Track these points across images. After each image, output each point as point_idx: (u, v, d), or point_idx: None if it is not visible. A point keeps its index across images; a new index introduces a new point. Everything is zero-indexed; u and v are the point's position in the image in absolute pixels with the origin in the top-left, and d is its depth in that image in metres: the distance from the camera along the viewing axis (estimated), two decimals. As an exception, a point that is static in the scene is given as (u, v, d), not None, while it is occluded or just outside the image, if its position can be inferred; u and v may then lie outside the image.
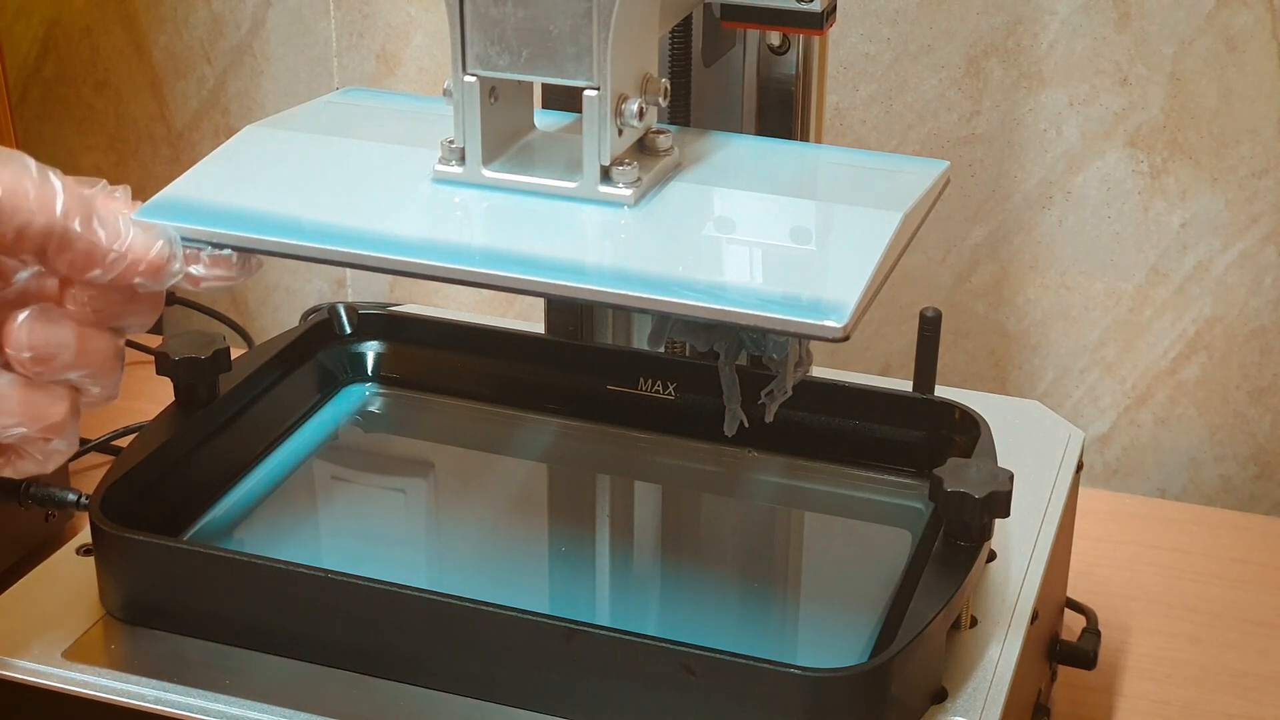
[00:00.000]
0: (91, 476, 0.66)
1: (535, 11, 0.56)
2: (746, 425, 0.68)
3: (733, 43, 0.74)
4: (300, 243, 0.57)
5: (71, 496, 0.84)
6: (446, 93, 0.59)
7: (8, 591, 0.65)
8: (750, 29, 0.73)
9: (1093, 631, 0.78)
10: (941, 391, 0.75)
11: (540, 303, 0.84)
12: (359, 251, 0.56)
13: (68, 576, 0.66)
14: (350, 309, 0.80)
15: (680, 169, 0.61)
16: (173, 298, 1.02)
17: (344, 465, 0.77)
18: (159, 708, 0.59)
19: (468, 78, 0.58)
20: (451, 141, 0.59)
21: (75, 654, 0.61)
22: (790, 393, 0.66)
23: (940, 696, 0.60)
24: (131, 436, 0.75)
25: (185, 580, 0.62)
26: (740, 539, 0.74)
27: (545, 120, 0.64)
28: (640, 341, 0.80)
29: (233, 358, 0.72)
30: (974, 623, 0.64)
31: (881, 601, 0.65)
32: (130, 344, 0.57)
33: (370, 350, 0.81)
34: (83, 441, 0.87)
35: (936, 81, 1.00)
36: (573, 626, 0.57)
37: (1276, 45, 0.94)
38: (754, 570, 0.72)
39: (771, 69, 0.74)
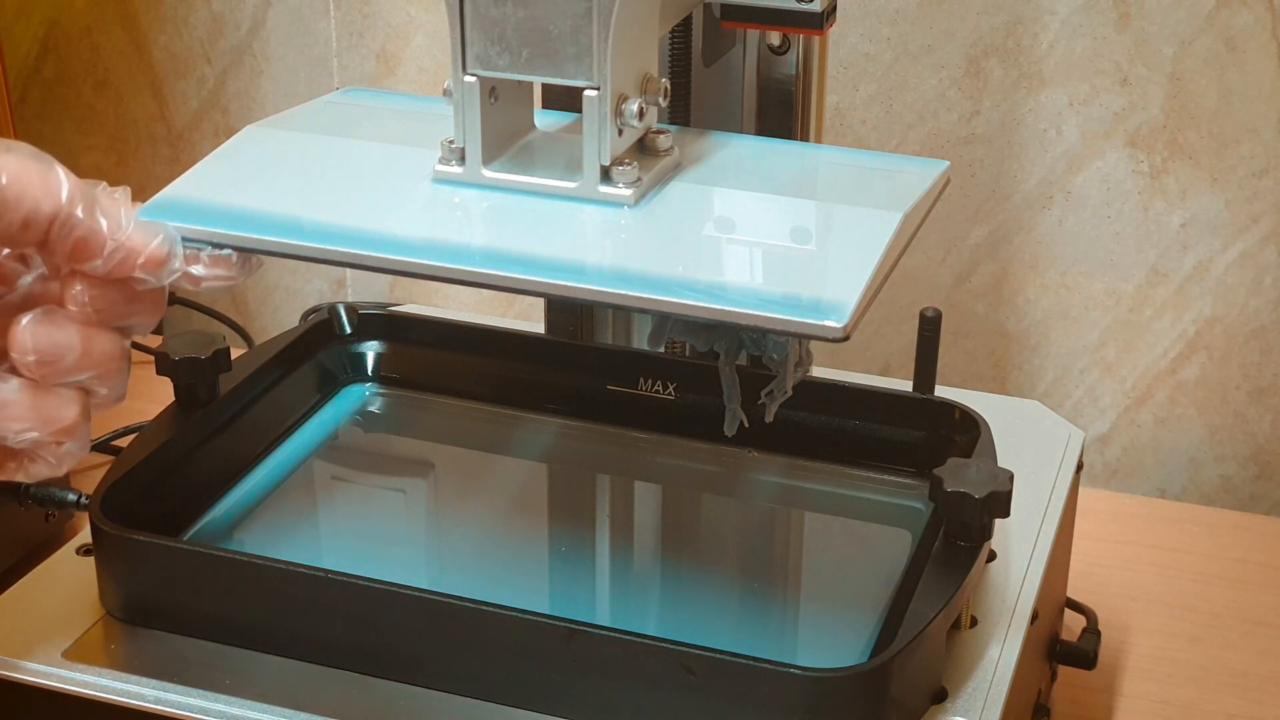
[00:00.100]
0: (91, 476, 0.66)
1: (535, 11, 0.56)
2: (746, 425, 0.67)
3: (733, 43, 0.74)
4: (300, 243, 0.57)
5: (71, 496, 0.84)
6: (446, 93, 0.59)
7: (8, 591, 0.65)
8: (750, 29, 0.73)
9: (1093, 631, 0.78)
10: (941, 391, 0.75)
11: (540, 303, 0.84)
12: (359, 251, 0.56)
13: (68, 576, 0.66)
14: (350, 309, 0.80)
15: (680, 169, 0.61)
16: (173, 298, 1.02)
17: (344, 465, 0.77)
18: (159, 708, 0.59)
19: (468, 78, 0.58)
20: (451, 141, 0.59)
21: (75, 654, 0.61)
22: (790, 393, 0.66)
23: (940, 696, 0.60)
24: (131, 436, 0.75)
25: (185, 580, 0.62)
26: (740, 539, 0.74)
27: (545, 120, 0.64)
28: (640, 341, 0.80)
29: (233, 358, 0.72)
30: (974, 623, 0.64)
31: (881, 601, 0.65)
32: (131, 344, 0.57)
33: (370, 350, 0.81)
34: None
35: (936, 81, 1.00)
36: (573, 626, 0.57)
37: (1276, 45, 0.94)
38: (754, 570, 0.72)
39: (771, 69, 0.74)
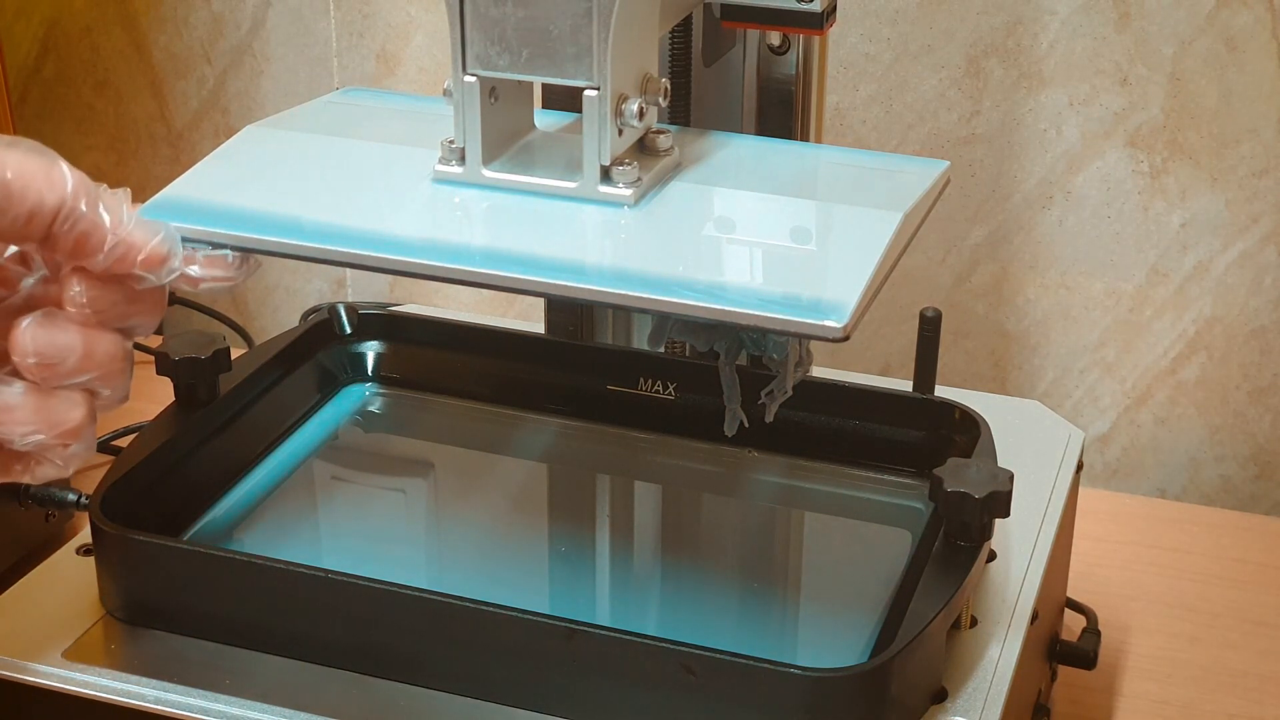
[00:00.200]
0: (91, 476, 0.66)
1: (535, 11, 0.56)
2: (746, 425, 0.67)
3: (733, 43, 0.74)
4: (300, 243, 0.57)
5: (71, 496, 0.84)
6: (446, 93, 0.59)
7: (8, 591, 0.65)
8: (750, 29, 0.73)
9: (1093, 631, 0.78)
10: (941, 391, 0.75)
11: (540, 303, 0.84)
12: (359, 251, 0.56)
13: (68, 576, 0.66)
14: (350, 309, 0.80)
15: (680, 169, 0.61)
16: (173, 298, 1.02)
17: (344, 465, 0.77)
18: (159, 708, 0.59)
19: (468, 78, 0.58)
20: (451, 141, 0.59)
21: (75, 654, 0.61)
22: (790, 393, 0.66)
23: (940, 696, 0.60)
24: (131, 436, 0.75)
25: (185, 580, 0.62)
26: (740, 539, 0.74)
27: (545, 120, 0.64)
28: (640, 341, 0.80)
29: (233, 358, 0.72)
30: (974, 623, 0.64)
31: (881, 601, 0.65)
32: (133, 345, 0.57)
33: (370, 350, 0.81)
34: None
35: (936, 81, 1.00)
36: (573, 626, 0.57)
37: (1276, 45, 0.94)
38: (754, 570, 0.72)
39: (771, 69, 0.74)
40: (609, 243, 0.58)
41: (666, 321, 0.65)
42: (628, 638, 0.57)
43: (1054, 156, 1.00)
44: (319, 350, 0.79)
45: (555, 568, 0.70)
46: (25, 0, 1.18)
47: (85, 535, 0.67)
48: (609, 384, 0.77)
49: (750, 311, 0.53)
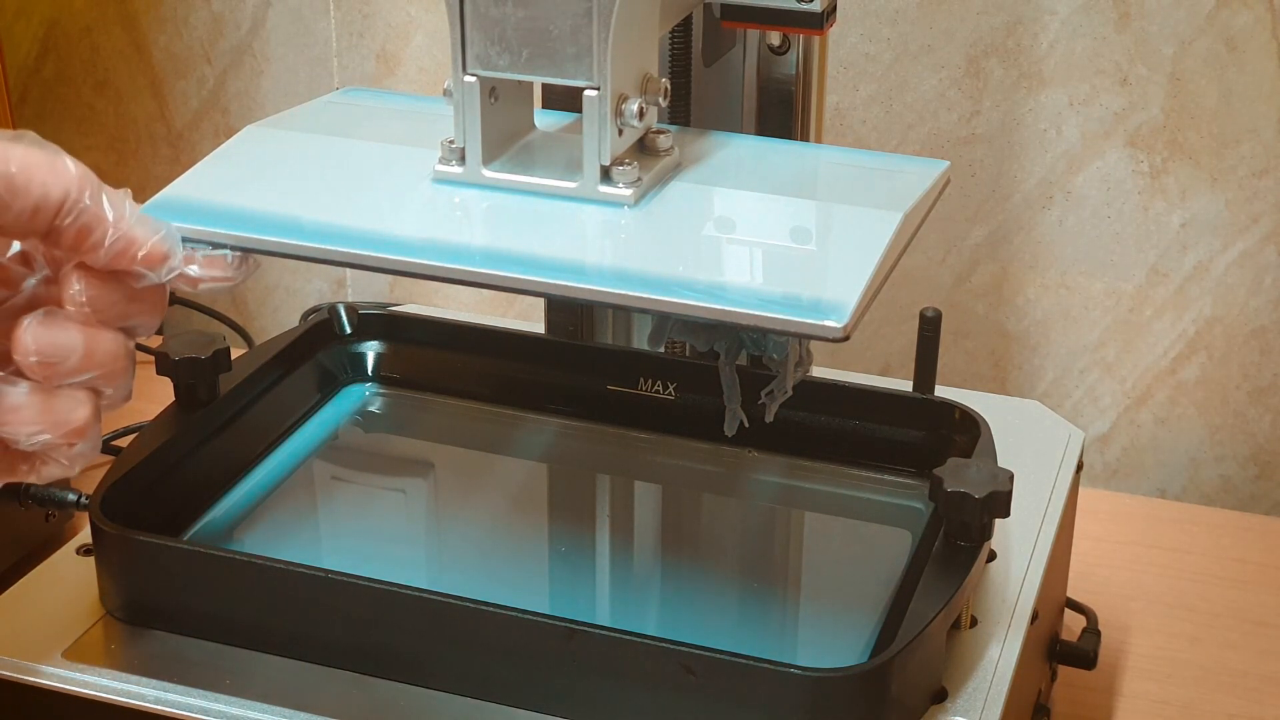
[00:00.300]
0: (91, 476, 0.66)
1: (535, 11, 0.56)
2: (746, 425, 0.67)
3: (733, 43, 0.74)
4: (300, 243, 0.57)
5: (71, 496, 0.84)
6: (446, 93, 0.59)
7: (8, 591, 0.65)
8: (750, 29, 0.73)
9: (1093, 631, 0.78)
10: (941, 391, 0.75)
11: (540, 303, 0.84)
12: (359, 251, 0.56)
13: (68, 576, 0.66)
14: (350, 309, 0.80)
15: (680, 169, 0.61)
16: (173, 298, 1.02)
17: (344, 465, 0.77)
18: (159, 708, 0.59)
19: (468, 78, 0.58)
20: (451, 141, 0.59)
21: (75, 654, 0.61)
22: (790, 393, 0.66)
23: (940, 696, 0.60)
24: (131, 436, 0.75)
25: (185, 580, 0.62)
26: (740, 539, 0.74)
27: (545, 120, 0.64)
28: (640, 341, 0.80)
29: (233, 358, 0.72)
30: (974, 623, 0.64)
31: (881, 601, 0.65)
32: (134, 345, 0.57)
33: (370, 350, 0.81)
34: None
35: (936, 81, 1.00)
36: (573, 626, 0.57)
37: (1276, 45, 0.94)
38: (754, 570, 0.72)
39: (771, 69, 0.74)
40: (609, 243, 0.58)
41: (666, 321, 0.65)
42: (627, 638, 0.57)
43: (1054, 156, 1.00)
44: (319, 350, 0.79)
45: (555, 568, 0.70)
46: (25, 0, 1.18)
47: (85, 535, 0.67)
48: (609, 384, 0.77)
49: (750, 311, 0.53)
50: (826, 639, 0.65)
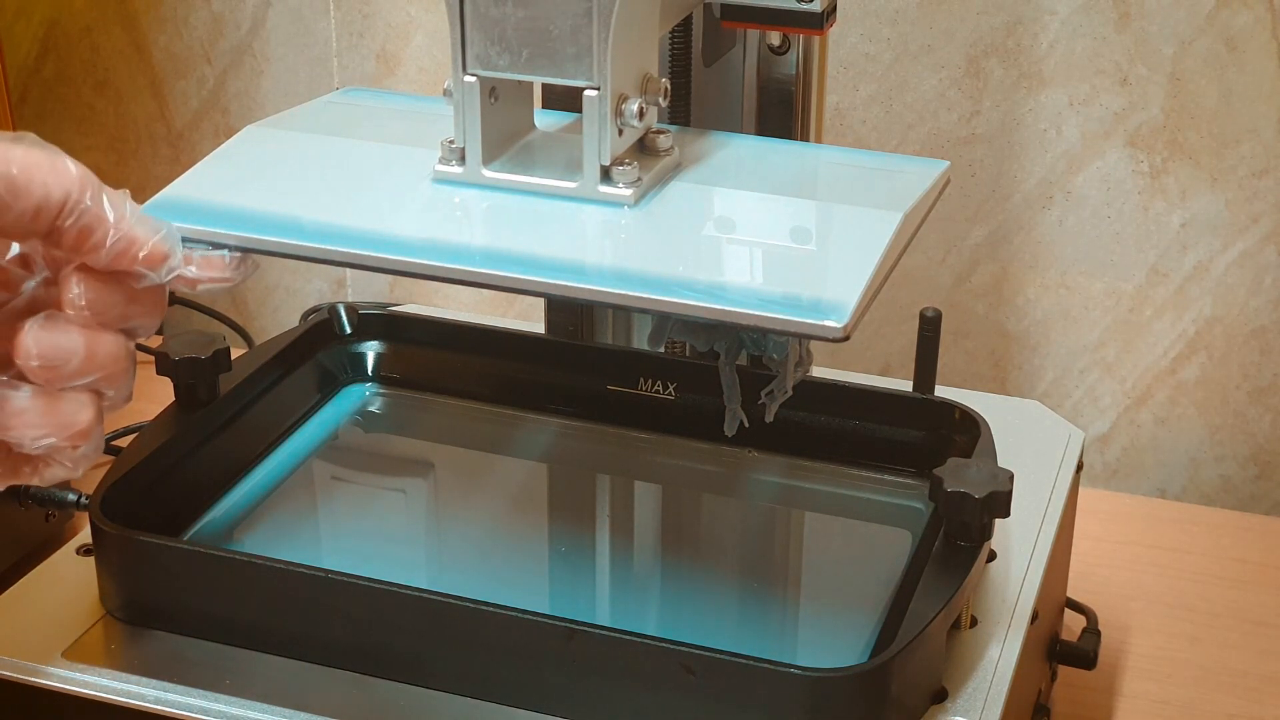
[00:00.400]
0: (92, 476, 0.66)
1: (535, 11, 0.56)
2: (746, 425, 0.68)
3: (733, 43, 0.74)
4: (300, 243, 0.57)
5: (71, 496, 0.84)
6: (446, 93, 0.59)
7: (8, 591, 0.65)
8: (750, 29, 0.73)
9: (1093, 631, 0.78)
10: (941, 391, 0.75)
11: (540, 303, 0.84)
12: (359, 251, 0.56)
13: (68, 576, 0.66)
14: (350, 309, 0.80)
15: (680, 169, 0.61)
16: (173, 298, 1.02)
17: (344, 465, 0.77)
18: (159, 708, 0.59)
19: (468, 78, 0.58)
20: (451, 141, 0.59)
21: (75, 654, 0.61)
22: (790, 393, 0.66)
23: (940, 696, 0.60)
24: (131, 436, 0.75)
25: (185, 580, 0.62)
26: (740, 539, 0.74)
27: (545, 120, 0.64)
28: (640, 341, 0.80)
29: (233, 358, 0.72)
30: (974, 623, 0.64)
31: (881, 601, 0.65)
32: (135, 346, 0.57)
33: (370, 350, 0.81)
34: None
35: (936, 81, 1.00)
36: (573, 626, 0.57)
37: (1276, 45, 0.94)
38: (754, 570, 0.72)
39: (771, 69, 0.74)
40: (609, 243, 0.58)
41: (666, 321, 0.65)
42: (627, 638, 0.57)
43: (1054, 156, 1.00)
44: (319, 350, 0.79)
45: (555, 568, 0.70)
46: (25, 0, 1.18)
47: (85, 535, 0.67)
48: (609, 384, 0.77)
49: (750, 311, 0.53)
50: (826, 639, 0.65)
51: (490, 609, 0.58)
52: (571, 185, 0.59)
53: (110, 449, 0.94)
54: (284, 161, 0.62)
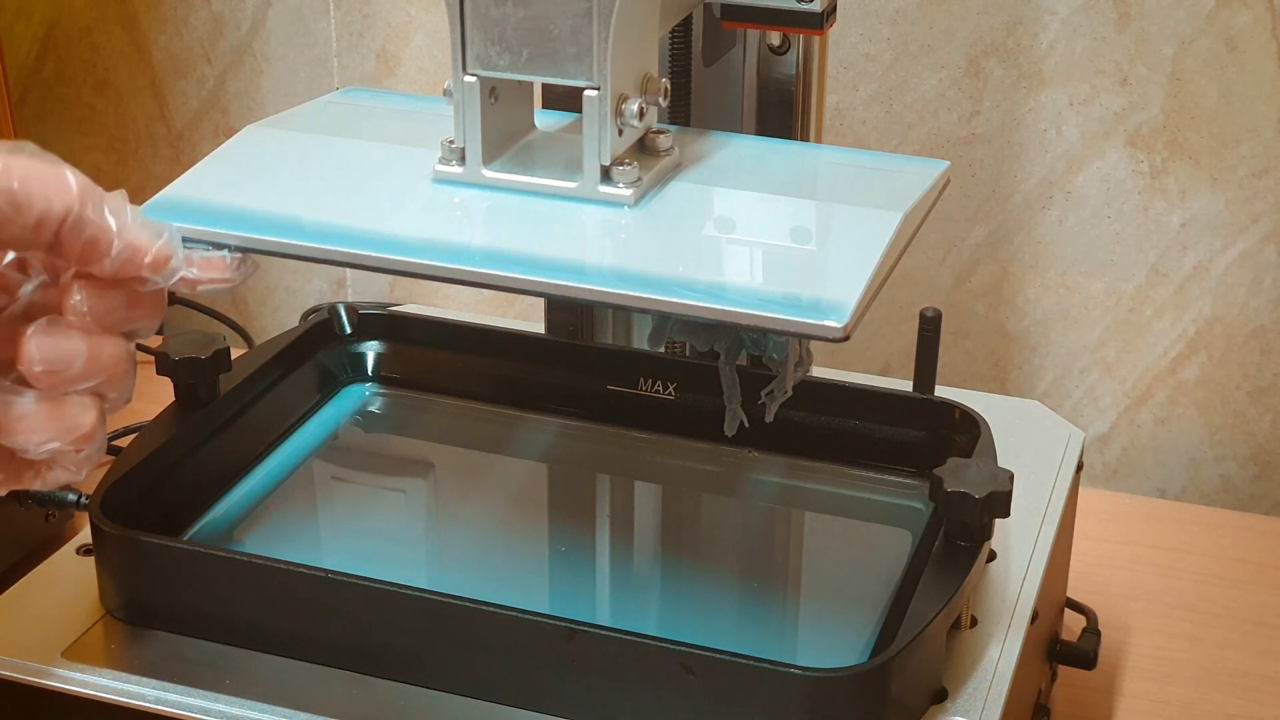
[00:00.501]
0: (92, 476, 0.66)
1: (535, 11, 0.56)
2: (746, 425, 0.68)
3: (733, 43, 0.74)
4: (300, 243, 0.57)
5: (71, 496, 0.84)
6: (446, 93, 0.59)
7: (8, 591, 0.65)
8: (750, 29, 0.73)
9: (1093, 631, 0.78)
10: (941, 391, 0.75)
11: (540, 303, 0.84)
12: (359, 251, 0.56)
13: (68, 576, 0.66)
14: (350, 309, 0.80)
15: (680, 169, 0.61)
16: (173, 298, 1.02)
17: (344, 465, 0.77)
18: (159, 708, 0.59)
19: (468, 78, 0.58)
20: (451, 141, 0.59)
21: (75, 654, 0.61)
22: (790, 393, 0.66)
23: (940, 696, 0.60)
24: (131, 436, 0.75)
25: (185, 580, 0.62)
26: (740, 539, 0.74)
27: (545, 120, 0.64)
28: (640, 341, 0.80)
29: (233, 358, 0.72)
30: (974, 623, 0.64)
31: (881, 601, 0.65)
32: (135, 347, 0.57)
33: (370, 350, 0.81)
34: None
35: (936, 81, 1.00)
36: (573, 626, 0.57)
37: (1276, 45, 0.94)
38: (754, 570, 0.72)
39: (771, 69, 0.74)
40: (609, 243, 0.58)
41: (666, 321, 0.65)
42: (627, 638, 0.57)
43: (1054, 156, 1.00)
44: (319, 350, 0.79)
45: (555, 568, 0.70)
46: (25, 0, 1.18)
47: (85, 535, 0.67)
48: (609, 384, 0.77)
49: (750, 311, 0.53)
50: (826, 639, 0.65)
51: (490, 609, 0.58)
52: (571, 185, 0.59)
53: (110, 449, 0.94)
54: (284, 161, 0.62)
